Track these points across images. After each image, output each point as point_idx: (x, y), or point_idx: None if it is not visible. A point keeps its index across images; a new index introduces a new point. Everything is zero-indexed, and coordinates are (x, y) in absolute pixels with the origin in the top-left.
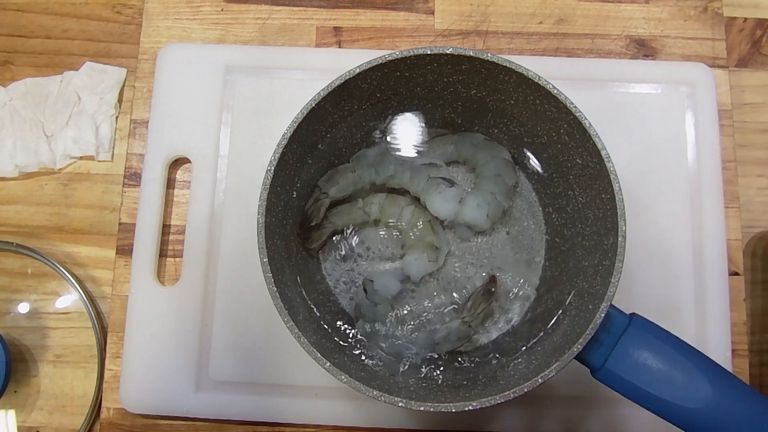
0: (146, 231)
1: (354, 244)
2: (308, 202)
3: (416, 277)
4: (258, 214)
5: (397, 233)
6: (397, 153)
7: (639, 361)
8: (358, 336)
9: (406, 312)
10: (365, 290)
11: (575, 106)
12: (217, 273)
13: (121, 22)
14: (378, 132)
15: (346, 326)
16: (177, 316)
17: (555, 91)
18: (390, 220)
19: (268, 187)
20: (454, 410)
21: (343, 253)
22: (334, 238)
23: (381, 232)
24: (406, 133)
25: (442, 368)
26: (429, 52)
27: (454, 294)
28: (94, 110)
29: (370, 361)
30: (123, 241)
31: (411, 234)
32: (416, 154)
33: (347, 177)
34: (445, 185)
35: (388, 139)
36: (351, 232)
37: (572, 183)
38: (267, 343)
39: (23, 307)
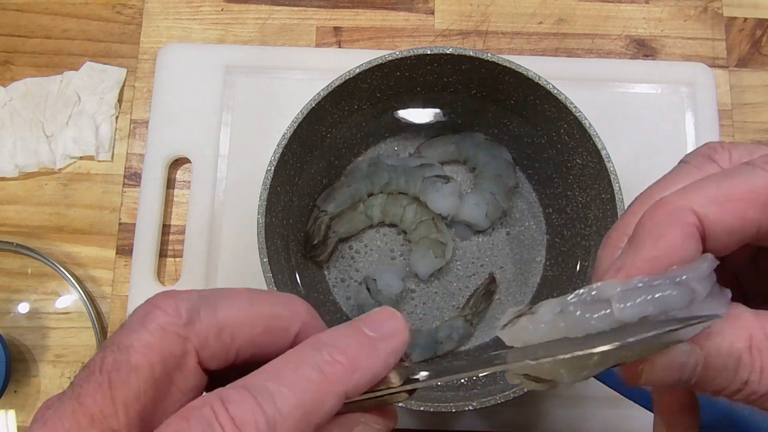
0: (146, 231)
1: (356, 246)
2: (308, 221)
3: (424, 275)
4: (258, 214)
5: (400, 232)
6: (388, 160)
7: None
8: None
9: (408, 312)
10: (368, 289)
11: (575, 106)
12: (217, 273)
13: (121, 22)
14: (377, 132)
15: None
16: None
17: (555, 91)
18: (393, 221)
19: (268, 187)
20: (454, 410)
21: (345, 255)
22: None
23: (382, 232)
24: (406, 133)
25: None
26: (429, 52)
27: (456, 293)
28: (94, 110)
29: None
30: (123, 241)
31: (415, 232)
32: (408, 157)
33: (343, 192)
34: (441, 182)
35: (384, 141)
36: (354, 236)
37: (572, 183)
38: None
39: (23, 307)
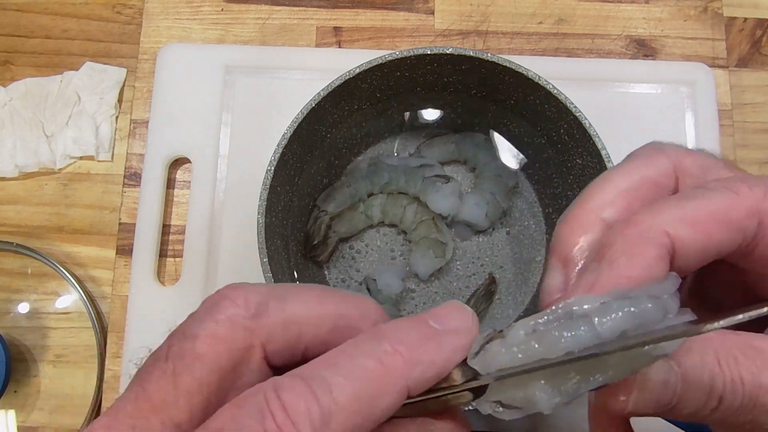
0: (146, 231)
1: (357, 246)
2: (308, 221)
3: (425, 275)
4: (258, 214)
5: (400, 232)
6: (388, 160)
7: None
8: None
9: (408, 312)
10: (368, 289)
11: (575, 106)
12: (217, 273)
13: (121, 22)
14: (377, 132)
15: None
16: (177, 316)
17: (555, 91)
18: (393, 221)
19: (268, 187)
20: None
21: (345, 255)
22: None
23: (382, 232)
24: (406, 133)
25: None
26: (429, 52)
27: (456, 293)
28: (94, 110)
29: None
30: (123, 241)
31: (415, 232)
32: (408, 157)
33: (344, 192)
34: (441, 182)
35: (384, 141)
36: (354, 236)
37: (572, 183)
38: None
39: (23, 307)
